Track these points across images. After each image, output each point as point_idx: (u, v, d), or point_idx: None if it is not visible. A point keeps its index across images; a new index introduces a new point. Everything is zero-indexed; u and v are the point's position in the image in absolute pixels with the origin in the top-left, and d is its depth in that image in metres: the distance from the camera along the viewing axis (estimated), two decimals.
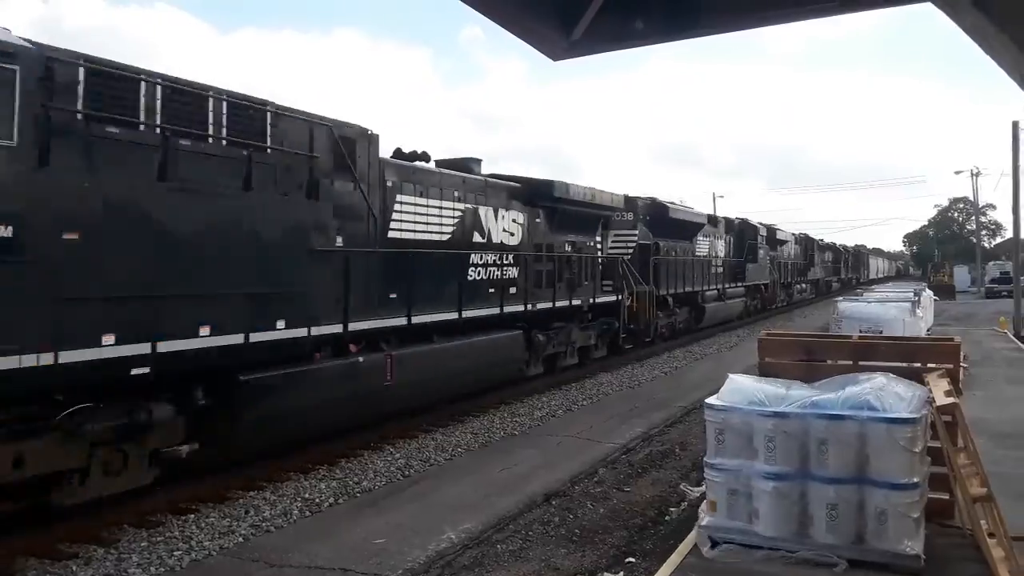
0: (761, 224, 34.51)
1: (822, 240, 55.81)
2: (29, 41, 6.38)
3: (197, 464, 7.97)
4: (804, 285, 45.17)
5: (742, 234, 31.64)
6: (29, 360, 6.06)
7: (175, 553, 6.63)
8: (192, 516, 7.49)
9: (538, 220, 14.70)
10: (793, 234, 43.43)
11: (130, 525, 7.21)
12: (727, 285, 28.00)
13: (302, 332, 8.65)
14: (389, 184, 10.74)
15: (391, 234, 10.70)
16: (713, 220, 28.09)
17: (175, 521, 7.36)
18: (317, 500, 8.07)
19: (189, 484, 8.09)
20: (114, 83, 6.97)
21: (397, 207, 10.86)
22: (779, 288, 37.47)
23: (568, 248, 15.80)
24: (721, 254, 28.15)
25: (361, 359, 9.75)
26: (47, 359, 6.17)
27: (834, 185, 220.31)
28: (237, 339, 7.77)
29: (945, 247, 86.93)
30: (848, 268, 65.82)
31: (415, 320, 10.74)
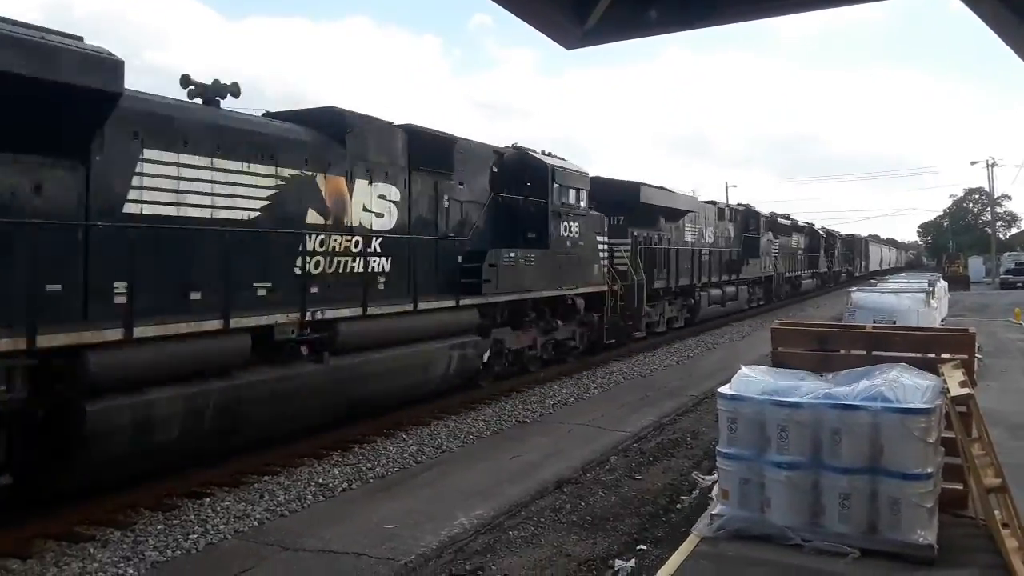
0: (570, 165, 14.89)
1: (787, 217, 36.71)
2: None
3: None
4: (731, 288, 26.65)
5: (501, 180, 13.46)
6: None
7: (191, 536, 6.71)
8: (207, 500, 7.58)
9: None
10: (713, 203, 27.09)
11: (146, 508, 7.30)
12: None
13: None
14: None
15: None
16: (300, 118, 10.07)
17: (191, 505, 7.44)
18: (331, 485, 8.14)
19: (203, 468, 8.17)
20: None
21: None
22: (640, 301, 18.20)
23: None
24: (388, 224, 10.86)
25: None
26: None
27: (846, 175, 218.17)
28: None
29: (960, 238, 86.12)
30: (834, 259, 49.63)
31: None
